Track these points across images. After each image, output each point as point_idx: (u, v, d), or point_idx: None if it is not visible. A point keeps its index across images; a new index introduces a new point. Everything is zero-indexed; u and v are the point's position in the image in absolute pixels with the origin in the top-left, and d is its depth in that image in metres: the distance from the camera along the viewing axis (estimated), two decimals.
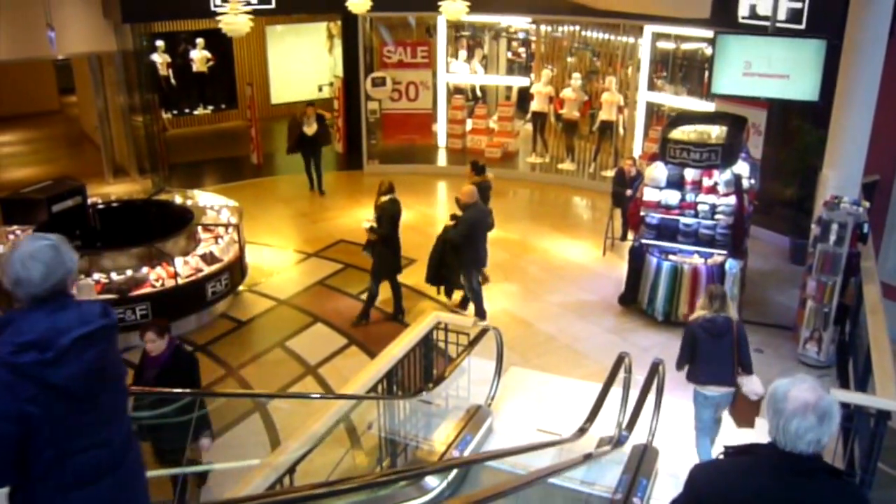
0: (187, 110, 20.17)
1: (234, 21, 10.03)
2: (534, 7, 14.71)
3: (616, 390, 7.00)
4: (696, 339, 6.59)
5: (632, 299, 10.02)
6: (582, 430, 6.15)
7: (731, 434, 6.64)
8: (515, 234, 12.67)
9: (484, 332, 7.44)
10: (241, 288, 10.72)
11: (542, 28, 15.94)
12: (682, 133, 9.47)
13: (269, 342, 9.51)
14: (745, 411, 6.56)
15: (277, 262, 11.82)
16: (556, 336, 9.62)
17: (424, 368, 7.49)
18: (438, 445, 7.01)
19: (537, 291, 10.80)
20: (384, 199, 9.87)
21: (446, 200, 15.00)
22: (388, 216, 9.82)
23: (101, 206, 11.12)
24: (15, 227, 10.38)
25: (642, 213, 9.73)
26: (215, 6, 14.02)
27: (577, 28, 15.36)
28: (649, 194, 9.62)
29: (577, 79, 14.95)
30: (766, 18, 10.12)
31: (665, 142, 9.33)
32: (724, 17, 11.03)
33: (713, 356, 6.53)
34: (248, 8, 14.18)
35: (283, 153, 16.50)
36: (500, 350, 7.83)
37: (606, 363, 7.31)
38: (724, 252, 9.37)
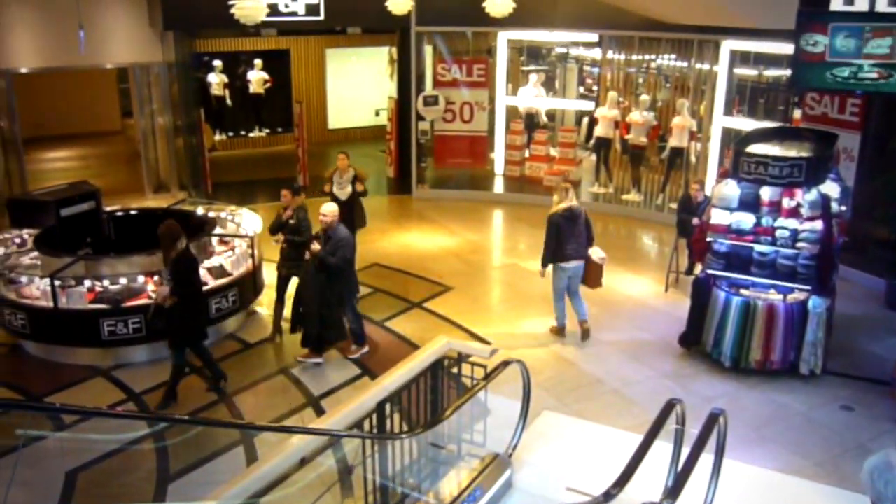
0: (243, 132, 19.66)
1: (248, 7, 9.16)
2: (601, 23, 13.53)
3: (664, 446, 5.65)
4: (559, 228, 8.69)
5: (695, 340, 8.59)
6: (608, 496, 4.78)
7: None
8: None
9: (504, 365, 6.15)
10: (255, 307, 9.75)
11: (610, 53, 14.74)
12: (759, 146, 8.09)
13: (273, 368, 8.45)
14: (595, 274, 9.01)
15: None
16: (602, 379, 8.26)
17: (432, 403, 6.26)
18: (441, 498, 5.76)
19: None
20: (297, 200, 8.88)
21: (501, 229, 13.86)
22: (308, 223, 8.78)
23: (117, 214, 10.34)
24: (23, 229, 9.72)
25: (709, 239, 8.34)
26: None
27: (646, 56, 14.12)
28: (718, 217, 8.22)
29: (645, 101, 13.66)
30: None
31: (738, 155, 7.97)
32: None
33: (572, 236, 8.74)
34: (297, 20, 13.62)
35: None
36: (526, 389, 6.54)
37: None
38: (807, 288, 7.90)
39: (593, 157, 15.05)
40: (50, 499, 6.15)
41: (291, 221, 8.70)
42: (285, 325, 8.95)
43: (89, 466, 6.59)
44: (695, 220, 9.57)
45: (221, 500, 4.16)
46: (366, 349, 8.72)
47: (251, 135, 19.81)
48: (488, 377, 5.96)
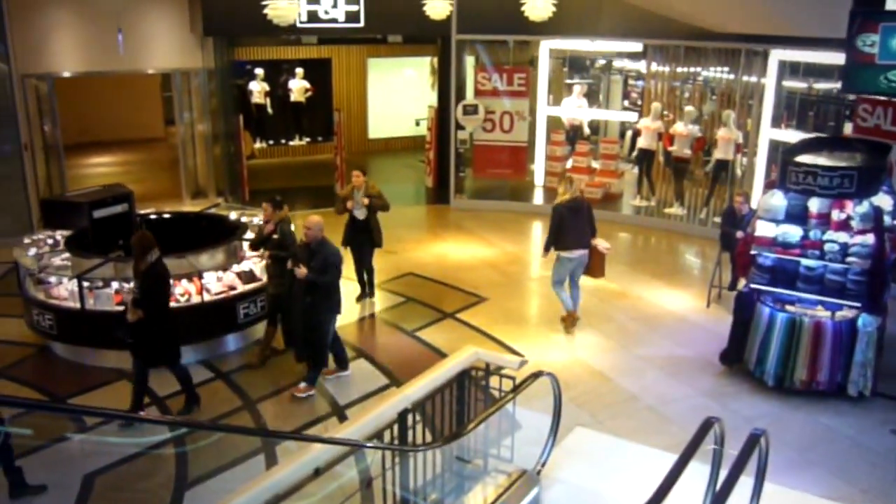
0: (283, 140, 19.68)
1: (281, 7, 9.07)
2: (645, 32, 13.23)
3: (701, 467, 5.33)
4: (562, 218, 8.95)
5: (737, 358, 8.22)
6: None
7: None
8: (607, 279, 11.02)
9: (534, 377, 5.88)
10: None
11: (654, 64, 14.42)
12: (808, 156, 7.72)
13: (299, 375, 8.24)
14: (598, 264, 9.31)
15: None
16: (638, 395, 7.93)
17: (457, 415, 6.01)
18: None
19: (623, 342, 9.14)
20: (280, 213, 8.49)
21: (540, 241, 13.52)
22: (293, 237, 8.33)
23: (150, 217, 10.30)
24: (56, 230, 9.72)
25: (753, 252, 7.98)
26: (300, 23, 13.28)
27: (691, 68, 13.78)
28: (763, 229, 7.87)
29: (690, 113, 13.30)
30: None
31: (786, 164, 7.61)
32: None
33: (575, 227, 8.98)
34: (337, 26, 13.56)
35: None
36: (557, 403, 6.26)
37: None
38: (857, 305, 7.50)
39: (635, 169, 14.71)
40: (65, 503, 6.02)
41: (275, 236, 8.31)
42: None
43: (107, 470, 6.47)
44: (739, 233, 9.21)
45: None
46: (347, 372, 8.23)
47: (291, 143, 19.81)
48: (516, 389, 5.70)
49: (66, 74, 13.78)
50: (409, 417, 5.34)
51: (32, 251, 9.13)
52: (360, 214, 9.72)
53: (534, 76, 14.90)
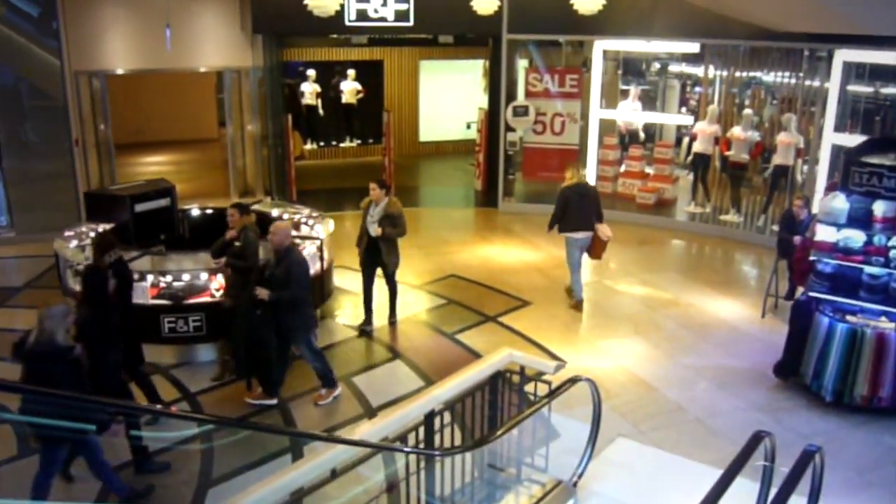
0: (334, 142, 19.65)
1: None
2: (702, 31, 12.76)
3: (749, 485, 4.97)
4: (568, 200, 9.49)
5: (792, 371, 7.76)
6: None
7: None
8: (657, 286, 10.70)
9: (572, 382, 5.55)
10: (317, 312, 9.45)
11: (712, 68, 13.94)
12: (873, 156, 7.24)
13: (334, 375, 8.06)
14: (598, 247, 9.74)
15: (375, 290, 10.42)
16: (684, 406, 7.53)
17: (490, 419, 5.73)
18: None
19: (672, 351, 8.74)
20: (244, 219, 7.76)
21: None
22: (255, 247, 7.62)
23: (192, 213, 10.26)
24: (99, 224, 9.73)
25: (812, 258, 7.52)
26: (348, 21, 13.17)
27: (750, 71, 13.26)
28: (823, 233, 7.40)
29: (748, 116, 12.79)
30: None
31: (849, 165, 7.15)
32: None
33: (580, 210, 9.46)
34: (386, 25, 13.41)
35: (420, 185, 15.62)
36: (596, 411, 5.93)
37: None
38: None
39: (690, 175, 14.23)
40: (88, 495, 5.90)
41: (237, 244, 7.62)
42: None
43: (132, 465, 6.34)
44: (796, 238, 8.74)
45: None
46: (338, 391, 7.55)
47: (342, 145, 19.78)
48: (552, 394, 5.39)
49: (120, 71, 13.89)
50: (437, 420, 5.07)
51: (74, 243, 9.13)
52: (374, 231, 8.85)
53: (587, 78, 14.54)
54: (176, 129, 20.68)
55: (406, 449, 4.43)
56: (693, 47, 14.08)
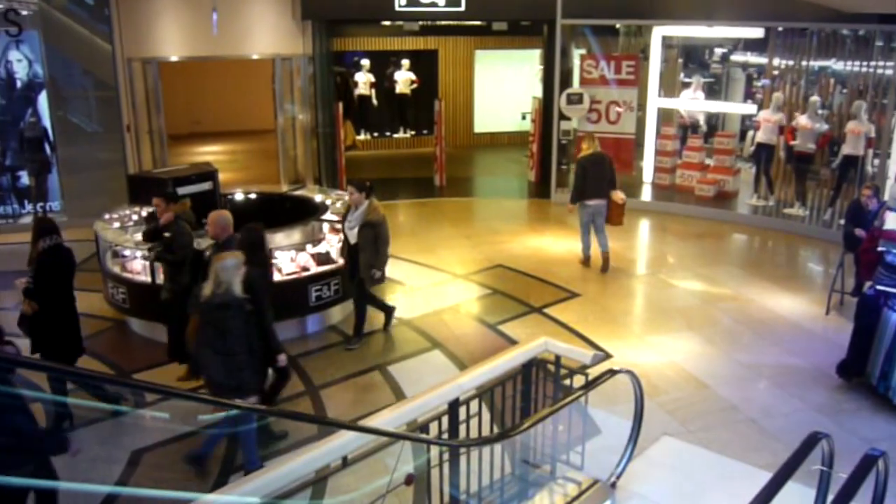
0: (387, 133, 19.47)
1: None
2: (767, 14, 12.13)
3: (804, 491, 4.55)
4: (585, 170, 9.96)
5: (857, 370, 7.21)
6: None
7: None
8: (714, 280, 10.18)
9: (611, 373, 5.18)
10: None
11: (777, 55, 13.27)
12: None
13: (369, 363, 7.82)
14: (616, 212, 10.26)
15: (419, 279, 10.19)
16: (738, 406, 7.05)
17: (522, 411, 5.39)
18: None
19: (727, 348, 8.24)
20: (176, 207, 7.28)
21: (644, 238, 12.70)
22: (186, 239, 7.11)
23: (236, 198, 10.14)
24: (142, 207, 9.67)
25: (881, 249, 6.96)
26: (400, 6, 12.92)
27: (816, 57, 12.56)
28: (894, 221, 6.85)
29: (814, 102, 12.12)
30: None
31: None
32: None
33: (594, 178, 9.96)
34: (436, 10, 13.13)
35: (472, 176, 15.32)
36: (638, 406, 5.54)
37: None
38: None
39: (753, 168, 13.59)
40: (109, 476, 5.76)
41: (166, 234, 7.15)
42: None
43: (156, 447, 6.22)
44: (858, 231, 8.17)
45: (235, 493, 3.52)
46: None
47: (396, 136, 19.61)
48: (587, 386, 5.02)
49: (174, 58, 13.94)
50: (463, 410, 4.76)
51: (116, 226, 9.08)
52: (353, 237, 7.90)
53: (644, 66, 14.02)
54: (233, 119, 20.75)
55: (420, 437, 4.12)
56: (757, 32, 13.44)
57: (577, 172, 10.14)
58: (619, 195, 10.22)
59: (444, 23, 17.10)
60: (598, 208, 10.16)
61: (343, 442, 3.90)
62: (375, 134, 19.45)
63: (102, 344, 8.26)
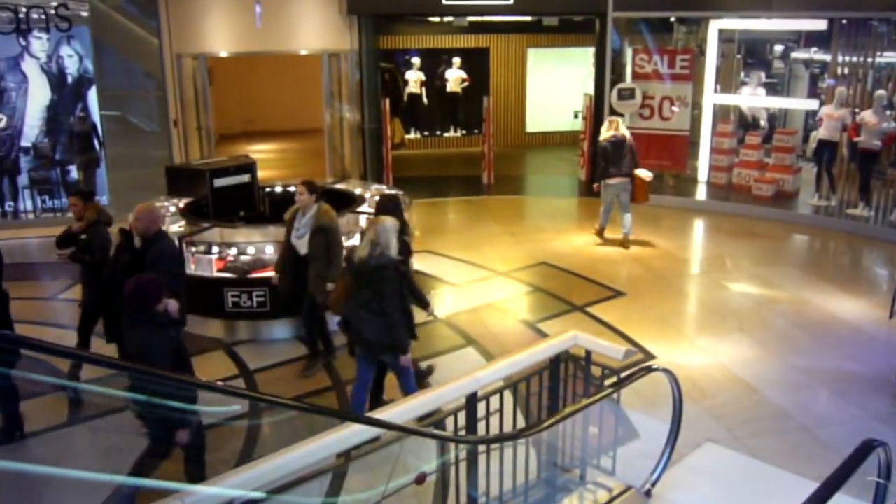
0: (438, 132, 19.23)
1: None
2: (833, 3, 11.52)
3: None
4: (606, 151, 10.51)
5: None
6: None
7: None
8: (769, 281, 9.67)
9: (646, 371, 4.81)
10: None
11: (841, 50, 12.61)
12: None
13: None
14: (641, 189, 10.73)
15: (460, 276, 9.90)
16: (790, 412, 6.58)
17: (548, 409, 5.06)
18: None
19: (780, 351, 7.75)
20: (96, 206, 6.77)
21: (697, 238, 12.23)
22: (100, 240, 6.56)
23: (275, 190, 10.02)
24: (180, 198, 9.61)
25: None
26: (446, 0, 12.68)
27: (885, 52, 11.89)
28: None
29: (880, 97, 11.46)
30: None
31: None
32: None
33: (616, 158, 10.49)
34: (485, 4, 12.87)
35: (522, 175, 15.01)
36: (677, 409, 5.17)
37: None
38: None
39: (815, 167, 12.95)
40: (123, 466, 5.60)
41: (83, 237, 6.63)
42: None
43: None
44: None
45: (219, 485, 3.29)
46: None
47: (446, 135, 19.35)
48: (619, 384, 4.67)
49: (223, 54, 13.95)
50: (484, 406, 4.45)
51: None
52: (303, 247, 7.01)
53: (700, 61, 13.49)
54: (286, 118, 20.76)
55: (429, 432, 3.82)
56: (819, 25, 12.81)
57: (599, 153, 10.76)
58: (644, 172, 10.70)
59: (495, 19, 16.82)
60: (622, 186, 10.62)
61: (344, 435, 3.63)
62: (426, 133, 19.24)
63: None
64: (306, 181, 7.12)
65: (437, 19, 16.83)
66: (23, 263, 10.11)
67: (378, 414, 3.94)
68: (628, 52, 13.93)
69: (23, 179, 12.93)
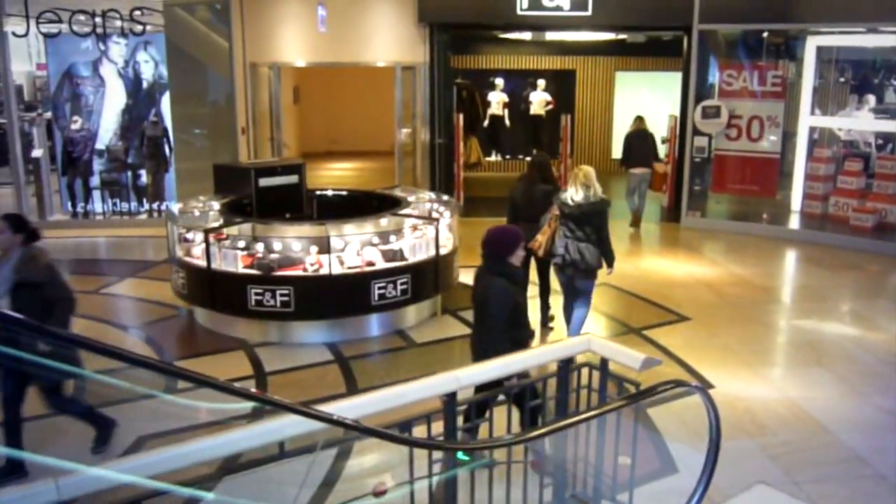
0: (520, 155, 18.62)
1: None
2: None
3: None
4: (630, 142, 12.37)
5: None
6: None
7: None
8: (859, 314, 8.65)
9: (673, 385, 4.03)
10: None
11: None
12: None
13: (426, 371, 6.93)
14: (659, 180, 13.27)
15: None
16: (866, 458, 5.60)
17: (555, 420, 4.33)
18: None
19: (862, 388, 6.74)
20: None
21: (782, 268, 11.18)
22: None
23: (325, 194, 9.68)
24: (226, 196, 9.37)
25: None
26: (521, 10, 12.17)
27: None
28: None
29: None
30: None
31: None
32: None
33: (639, 150, 12.28)
34: (561, 15, 12.30)
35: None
36: (713, 437, 4.33)
37: None
38: None
39: None
40: (108, 459, 5.19)
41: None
42: None
43: (164, 435, 5.62)
44: None
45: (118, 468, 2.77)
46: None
47: (528, 158, 18.70)
48: (635, 397, 3.92)
49: (300, 64, 13.86)
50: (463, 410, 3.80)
51: (196, 213, 8.77)
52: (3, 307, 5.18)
53: (796, 80, 12.48)
54: (369, 139, 20.67)
55: (377, 431, 3.17)
56: None
57: (624, 145, 12.37)
58: (660, 166, 12.99)
59: (580, 38, 16.21)
60: (643, 176, 12.20)
61: (278, 426, 3.06)
62: (507, 156, 18.68)
63: (158, 330, 7.93)
64: (9, 215, 5.19)
65: (517, 36, 16.36)
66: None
67: (332, 407, 3.35)
68: (714, 68, 13.05)
69: (94, 181, 13.07)
